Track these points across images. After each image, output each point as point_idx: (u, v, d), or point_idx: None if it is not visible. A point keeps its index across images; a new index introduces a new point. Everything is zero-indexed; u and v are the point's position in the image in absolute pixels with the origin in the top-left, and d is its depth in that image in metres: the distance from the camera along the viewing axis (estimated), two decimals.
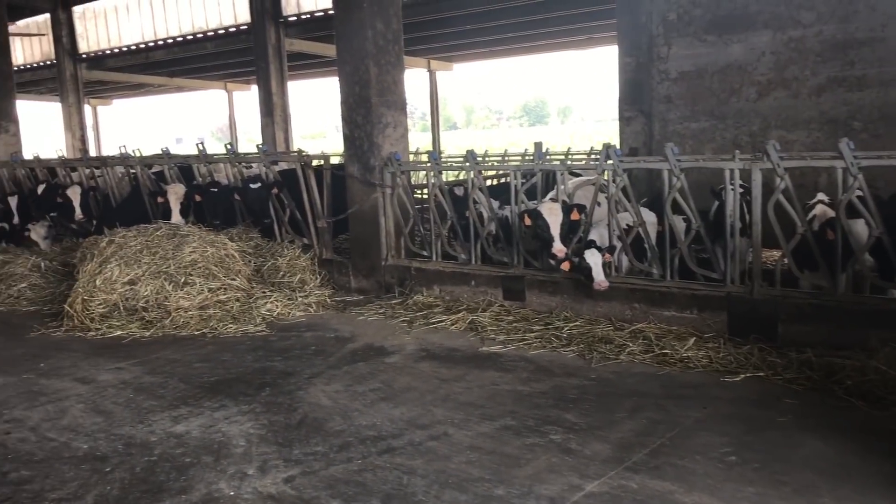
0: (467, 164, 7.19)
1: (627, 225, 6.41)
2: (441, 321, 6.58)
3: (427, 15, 16.05)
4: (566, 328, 6.09)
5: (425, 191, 8.65)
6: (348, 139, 7.85)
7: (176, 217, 8.61)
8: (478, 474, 3.76)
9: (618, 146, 7.21)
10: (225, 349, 6.15)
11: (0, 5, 12.20)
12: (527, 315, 6.53)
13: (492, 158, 13.77)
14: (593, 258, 6.04)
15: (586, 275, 6.05)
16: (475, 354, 5.76)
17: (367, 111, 7.61)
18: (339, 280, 8.09)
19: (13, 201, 10.66)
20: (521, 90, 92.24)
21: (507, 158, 13.69)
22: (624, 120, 9.84)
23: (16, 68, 17.96)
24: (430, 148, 22.09)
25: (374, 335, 6.39)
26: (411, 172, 8.35)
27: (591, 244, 6.19)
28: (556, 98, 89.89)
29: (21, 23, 24.07)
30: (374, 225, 7.74)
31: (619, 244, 6.33)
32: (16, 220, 10.51)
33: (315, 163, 8.47)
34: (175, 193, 8.79)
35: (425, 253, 7.65)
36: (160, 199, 8.83)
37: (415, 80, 24.60)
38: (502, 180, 10.70)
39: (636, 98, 9.75)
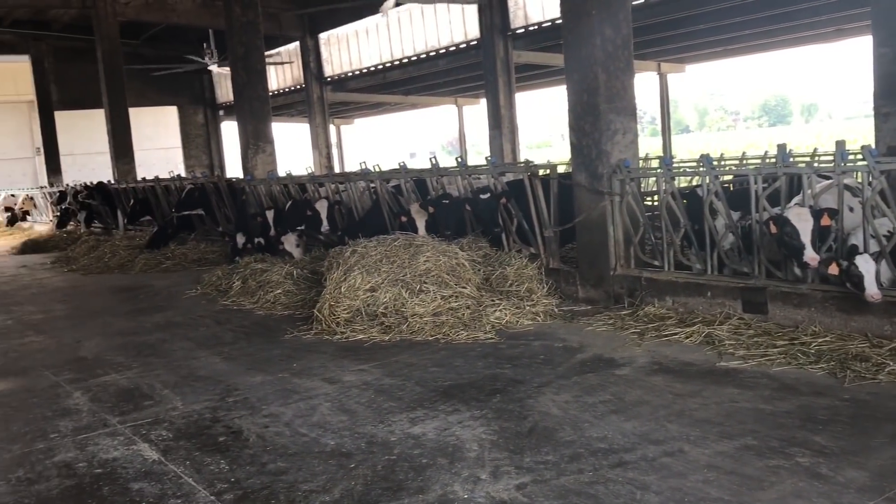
0: (702, 168, 6.89)
1: (888, 231, 5.81)
2: (674, 334, 6.35)
3: (658, 17, 15.63)
4: (814, 344, 5.63)
5: (656, 198, 8.40)
6: (575, 147, 7.82)
7: (422, 233, 8.99)
8: (716, 494, 3.58)
9: (872, 145, 6.56)
10: (457, 355, 6.34)
11: (258, 37, 13.47)
12: (769, 329, 6.12)
13: (729, 162, 13.09)
14: (866, 265, 5.49)
15: (855, 284, 5.53)
16: (712, 369, 5.49)
17: (595, 118, 7.53)
18: (566, 289, 8.06)
19: (270, 215, 11.71)
20: (760, 89, 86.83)
21: (745, 161, 12.96)
22: (880, 116, 8.93)
23: (270, 93, 19.81)
24: (661, 153, 21.44)
25: (603, 346, 6.30)
26: (641, 179, 8.14)
27: (855, 250, 5.67)
28: (798, 95, 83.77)
29: (274, 51, 26.41)
30: (602, 234, 7.64)
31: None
32: (272, 231, 11.52)
33: (542, 172, 8.52)
34: (418, 212, 9.20)
35: (656, 262, 7.42)
36: (403, 219, 9.25)
37: (643, 83, 24.06)
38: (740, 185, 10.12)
39: (894, 92, 8.83)
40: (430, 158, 10.10)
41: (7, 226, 25.20)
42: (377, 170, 11.16)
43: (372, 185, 10.99)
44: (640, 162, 9.27)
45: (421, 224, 9.07)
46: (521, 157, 19.37)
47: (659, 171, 7.44)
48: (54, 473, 4.48)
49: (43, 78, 27.61)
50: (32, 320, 9.56)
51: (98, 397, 5.94)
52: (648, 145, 25.90)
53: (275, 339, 7.44)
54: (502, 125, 18.62)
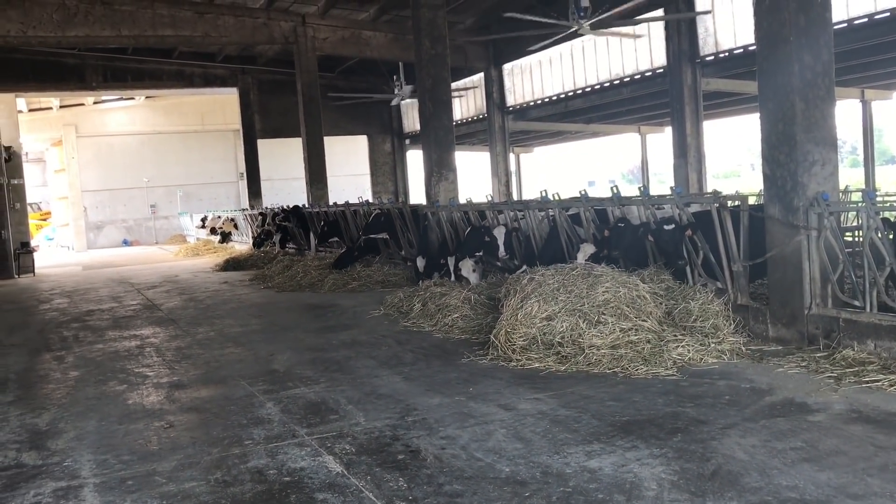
0: None
1: None
2: (877, 380, 5.86)
3: (862, 41, 14.65)
4: None
5: (858, 233, 7.82)
6: (769, 178, 7.45)
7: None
8: None
9: None
10: (636, 390, 6.18)
11: (446, 69, 13.91)
12: None
13: None
14: None
15: None
16: None
17: (791, 148, 7.15)
18: (754, 328, 7.66)
19: (500, 234, 11.61)
20: None
21: None
22: None
23: (454, 123, 20.36)
24: (862, 184, 19.97)
25: (795, 390, 5.92)
26: (842, 213, 7.61)
27: None
28: None
29: (460, 82, 27.14)
30: (796, 270, 7.20)
31: None
32: (501, 251, 11.45)
33: (731, 203, 8.17)
34: (583, 252, 9.16)
35: (857, 303, 6.88)
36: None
37: (844, 111, 22.52)
38: None
39: None
40: (612, 187, 9.97)
41: (220, 243, 27.30)
42: (556, 198, 11.16)
43: (551, 213, 11.00)
44: (840, 195, 8.69)
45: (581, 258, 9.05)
46: (708, 188, 18.69)
47: (861, 204, 6.93)
48: (247, 478, 4.80)
49: (248, 109, 29.94)
50: (232, 333, 10.31)
51: (288, 409, 6.31)
52: (849, 176, 24.20)
53: (452, 363, 7.59)
54: (688, 154, 18.07)
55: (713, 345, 7.18)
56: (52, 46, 22.65)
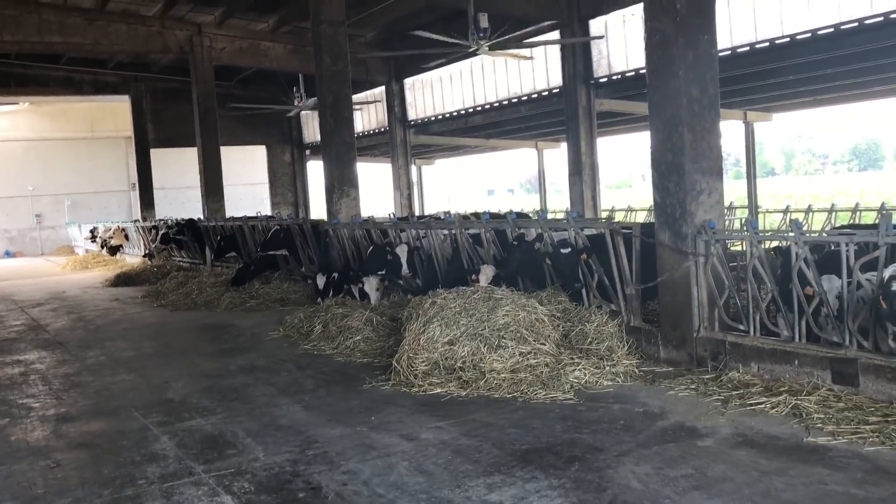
0: (790, 233, 6.74)
1: None
2: (759, 403, 6.17)
3: (745, 68, 15.43)
4: None
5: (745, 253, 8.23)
6: (659, 206, 7.76)
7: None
8: None
9: None
10: (535, 416, 6.30)
11: (347, 86, 13.86)
12: (860, 403, 5.89)
13: (818, 214, 12.80)
14: None
15: None
16: (799, 445, 5.31)
17: (680, 178, 7.47)
18: (647, 349, 7.94)
19: (402, 252, 11.55)
20: (849, 133, 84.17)
21: (835, 214, 12.63)
22: None
23: (356, 135, 20.29)
24: (745, 199, 21.03)
25: (686, 413, 6.17)
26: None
27: None
28: (892, 139, 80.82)
29: (360, 95, 27.08)
30: (685, 294, 7.52)
31: None
32: (404, 270, 11.34)
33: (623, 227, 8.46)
34: (485, 275, 9.32)
35: (742, 326, 7.24)
36: (473, 278, 9.35)
37: (728, 126, 23.61)
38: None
39: None
40: (509, 214, 10.17)
41: (111, 255, 26.19)
42: (457, 216, 11.29)
43: (453, 231, 11.11)
44: (725, 211, 9.12)
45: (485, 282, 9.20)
46: (602, 202, 19.27)
47: (745, 233, 7.30)
48: None
49: (140, 117, 29.00)
50: (124, 357, 9.94)
51: (184, 443, 6.13)
52: (732, 189, 25.35)
53: (354, 388, 7.55)
54: (583, 171, 18.59)
55: (608, 367, 7.40)
56: None
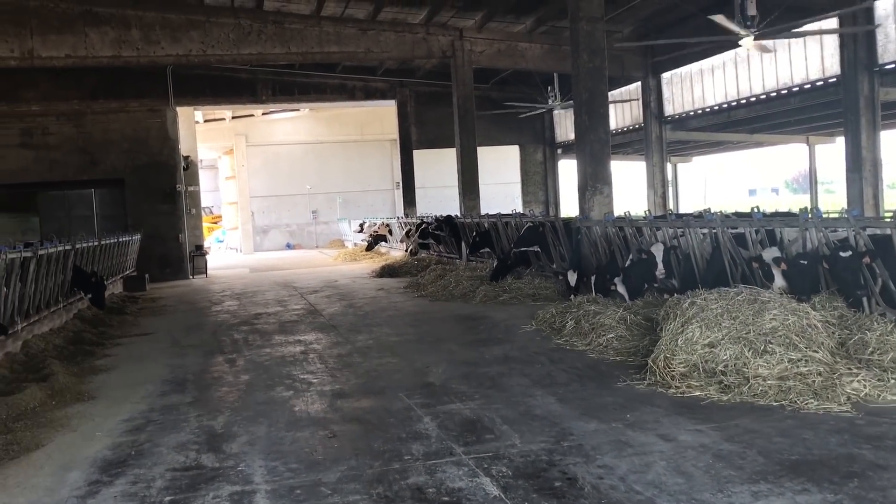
0: None
1: None
2: None
3: None
4: None
5: None
6: None
7: (779, 285, 8.54)
8: None
9: None
10: (805, 426, 5.86)
11: (603, 82, 13.74)
12: None
13: None
14: None
15: None
16: None
17: None
18: None
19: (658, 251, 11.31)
20: None
21: None
22: None
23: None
24: None
25: None
26: None
27: None
28: None
29: (615, 92, 26.73)
30: None
31: None
32: (659, 270, 11.08)
33: None
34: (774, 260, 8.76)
35: None
36: (755, 265, 8.85)
37: None
38: None
39: None
40: (795, 208, 9.49)
41: (367, 250, 28.39)
42: (719, 214, 10.75)
43: (713, 230, 10.60)
44: None
45: (778, 273, 8.57)
46: (885, 203, 17.45)
47: None
48: (408, 495, 4.93)
49: (405, 120, 30.79)
50: (389, 342, 10.63)
51: (445, 425, 6.44)
52: None
53: (608, 386, 7.48)
54: (863, 168, 16.92)
55: (893, 380, 6.69)
56: (228, 63, 24.17)
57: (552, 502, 4.67)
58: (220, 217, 45.02)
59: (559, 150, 34.42)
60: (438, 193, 33.73)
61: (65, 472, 5.78)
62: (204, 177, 37.40)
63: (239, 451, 6.04)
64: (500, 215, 17.94)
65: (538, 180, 34.77)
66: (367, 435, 6.29)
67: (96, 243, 16.42)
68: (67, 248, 13.49)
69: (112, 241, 18.60)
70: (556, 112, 29.53)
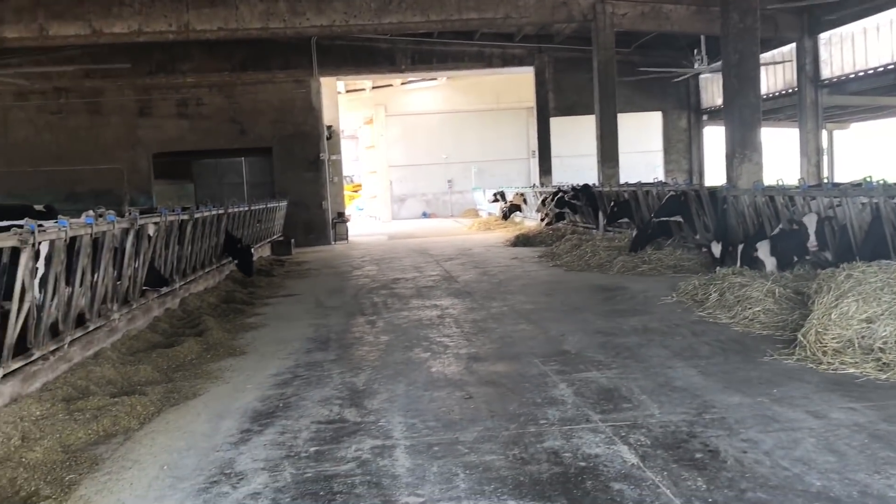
0: None
1: None
2: None
3: None
4: None
5: None
6: None
7: None
8: None
9: None
10: None
11: (755, 43, 13.03)
12: None
13: None
14: None
15: None
16: None
17: None
18: None
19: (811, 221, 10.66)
20: None
21: None
22: None
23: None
24: None
25: None
26: None
27: None
28: None
29: (766, 54, 25.29)
30: None
31: None
32: (811, 241, 10.44)
33: None
34: None
35: None
36: None
37: None
38: None
39: None
40: None
41: (502, 219, 28.44)
42: (881, 182, 10.03)
43: (874, 200, 9.90)
44: None
45: None
46: None
47: None
48: (544, 458, 4.94)
49: (542, 87, 30.39)
50: (523, 309, 10.63)
51: (581, 392, 6.38)
52: None
53: (752, 360, 7.17)
54: None
55: None
56: (369, 33, 24.60)
57: (693, 473, 4.55)
58: (360, 186, 46.32)
59: (705, 117, 33.03)
60: (574, 162, 33.25)
61: (219, 421, 6.15)
62: (345, 146, 38.49)
63: (379, 408, 6.23)
64: (640, 184, 17.47)
65: (681, 148, 33.55)
66: (503, 398, 6.33)
67: (246, 209, 17.27)
68: (220, 212, 14.26)
69: (260, 206, 19.51)
70: (702, 76, 28.30)
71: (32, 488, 4.79)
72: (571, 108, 30.28)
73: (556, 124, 30.83)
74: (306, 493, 4.59)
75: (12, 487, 4.82)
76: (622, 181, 20.29)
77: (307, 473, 4.89)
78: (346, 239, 26.49)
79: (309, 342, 9.16)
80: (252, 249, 16.02)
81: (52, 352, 7.17)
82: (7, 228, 6.81)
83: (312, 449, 5.35)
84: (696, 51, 24.30)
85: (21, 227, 6.75)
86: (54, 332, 7.37)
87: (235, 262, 15.13)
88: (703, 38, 23.43)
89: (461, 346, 8.48)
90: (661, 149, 33.76)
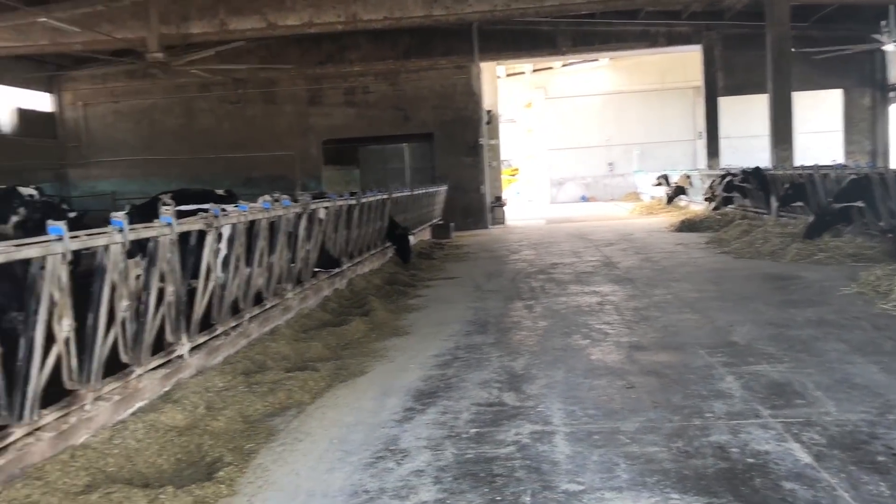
0: None
1: None
2: None
3: None
4: None
5: None
6: None
7: None
8: None
9: None
10: None
11: None
12: None
13: None
14: None
15: None
16: None
17: None
18: None
19: None
20: None
21: None
22: None
23: None
24: None
25: None
26: None
27: None
28: None
29: None
30: None
31: None
32: None
33: None
34: None
35: None
36: None
37: None
38: None
39: None
40: None
41: (666, 204, 27.60)
42: None
43: None
44: None
45: None
46: None
47: None
48: (709, 452, 4.79)
49: (711, 66, 29.06)
50: (688, 298, 10.29)
51: (749, 385, 6.12)
52: None
53: None
54: None
55: None
56: (530, 16, 24.46)
57: (874, 477, 4.27)
58: (517, 170, 46.33)
59: (892, 94, 30.49)
60: (744, 144, 31.75)
61: (384, 398, 6.39)
62: (504, 130, 38.67)
63: (538, 393, 6.26)
64: (817, 166, 16.41)
65: (864, 128, 31.14)
66: (666, 389, 6.18)
67: (409, 193, 17.73)
68: (384, 197, 14.72)
69: (422, 191, 19.97)
70: (890, 51, 26.09)
71: (216, 454, 5.18)
72: (741, 88, 28.79)
73: (725, 104, 29.46)
74: (467, 474, 4.69)
75: (199, 452, 5.24)
76: (797, 163, 19.14)
77: (468, 454, 4.99)
78: (504, 223, 26.65)
79: (468, 325, 9.31)
80: (410, 235, 16.42)
81: (233, 328, 7.70)
82: (194, 213, 7.39)
83: (473, 430, 5.45)
84: (883, 22, 22.40)
85: (206, 211, 7.30)
86: (235, 309, 7.91)
87: (394, 247, 15.57)
88: (891, 7, 21.56)
89: (622, 334, 8.34)
90: (839, 129, 31.50)
